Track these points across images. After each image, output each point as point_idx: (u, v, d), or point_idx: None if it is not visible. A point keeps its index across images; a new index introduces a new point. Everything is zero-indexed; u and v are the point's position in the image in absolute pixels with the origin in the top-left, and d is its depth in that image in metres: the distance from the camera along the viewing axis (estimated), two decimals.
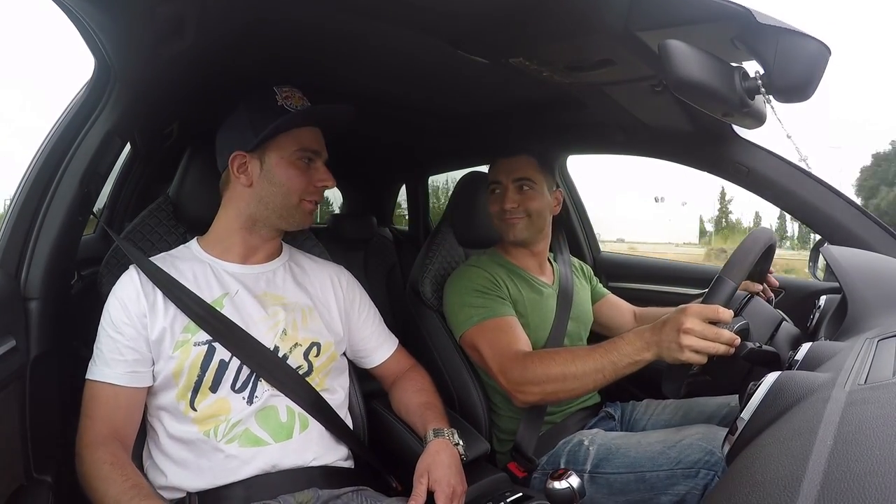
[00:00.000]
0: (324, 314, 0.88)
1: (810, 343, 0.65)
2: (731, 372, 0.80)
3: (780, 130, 0.71)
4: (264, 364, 0.78)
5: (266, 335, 0.80)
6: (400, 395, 0.94)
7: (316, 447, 0.80)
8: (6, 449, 0.70)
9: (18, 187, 0.82)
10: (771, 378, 0.49)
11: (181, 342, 0.76)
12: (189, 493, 0.73)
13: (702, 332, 0.72)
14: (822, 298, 0.94)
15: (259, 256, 0.87)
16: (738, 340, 0.73)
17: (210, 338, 0.76)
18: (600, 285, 1.31)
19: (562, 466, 0.90)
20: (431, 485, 0.75)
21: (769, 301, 0.96)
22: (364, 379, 0.99)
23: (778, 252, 0.99)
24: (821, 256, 1.01)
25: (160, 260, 0.82)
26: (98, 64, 0.82)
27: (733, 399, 1.01)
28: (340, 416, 0.85)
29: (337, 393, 0.87)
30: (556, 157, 1.53)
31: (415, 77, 1.09)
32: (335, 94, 1.13)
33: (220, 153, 0.85)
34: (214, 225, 0.86)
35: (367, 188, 2.50)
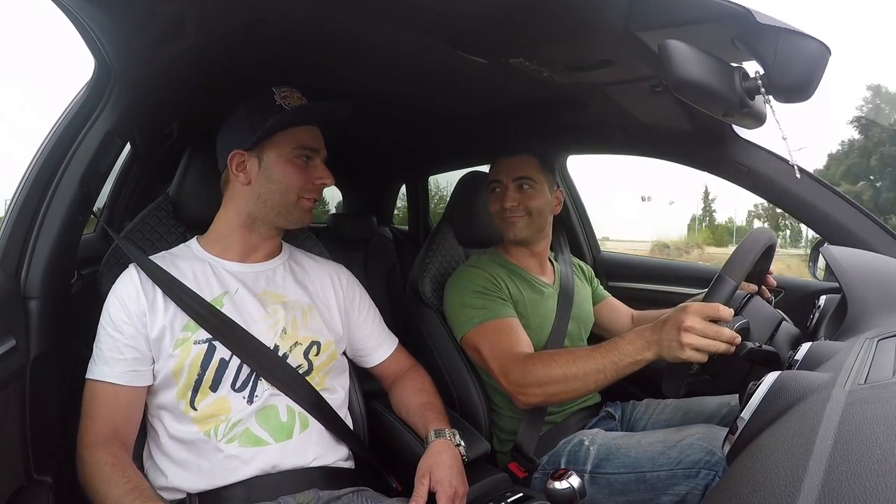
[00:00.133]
0: (324, 313, 0.88)
1: (810, 343, 0.65)
2: (730, 371, 0.81)
3: (778, 131, 0.71)
4: (264, 363, 0.78)
5: (266, 334, 0.80)
6: (400, 395, 0.94)
7: (316, 447, 0.80)
8: (6, 449, 0.70)
9: (18, 187, 0.82)
10: (771, 378, 0.49)
11: (181, 340, 0.76)
12: (189, 494, 0.73)
13: (702, 331, 0.72)
14: (822, 298, 0.94)
15: (259, 255, 0.87)
16: (739, 339, 0.73)
17: (210, 336, 0.76)
18: (601, 287, 1.31)
19: (562, 466, 0.90)
20: (433, 485, 0.75)
21: (768, 301, 0.96)
22: (364, 379, 0.99)
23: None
24: (821, 256, 1.01)
25: (160, 259, 0.82)
26: (98, 64, 0.82)
27: (733, 399, 1.01)
28: (340, 415, 0.85)
29: (337, 392, 0.87)
30: (556, 156, 1.53)
31: (415, 77, 1.09)
32: (335, 95, 1.13)
33: (220, 153, 0.85)
34: (214, 224, 0.86)
35: (367, 188, 2.50)
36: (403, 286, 1.47)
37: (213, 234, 0.86)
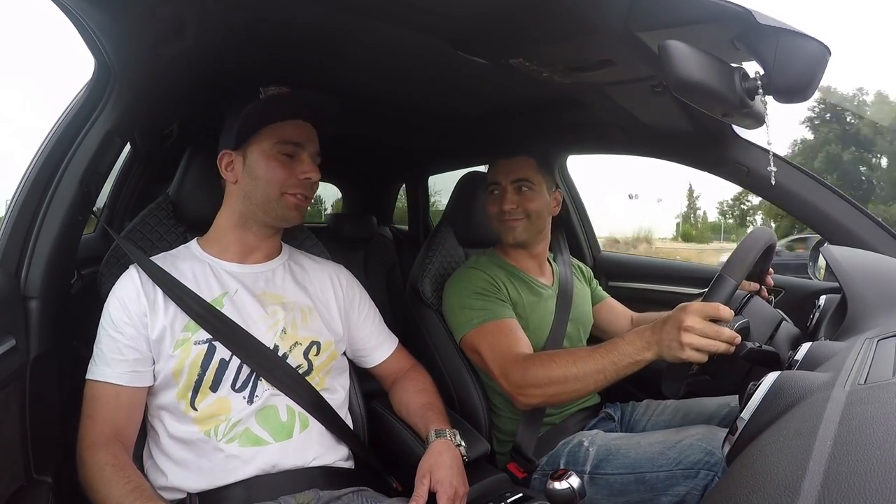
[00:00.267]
0: (323, 313, 0.88)
1: (810, 343, 0.65)
2: (730, 372, 0.80)
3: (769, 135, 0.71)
4: (264, 363, 0.78)
5: (266, 334, 0.80)
6: (401, 395, 0.94)
7: (316, 447, 0.80)
8: (6, 449, 0.70)
9: (18, 187, 0.82)
10: (771, 378, 0.49)
11: (181, 341, 0.76)
12: (189, 494, 0.73)
13: (702, 330, 0.72)
14: (822, 298, 0.94)
15: (257, 256, 0.87)
16: (739, 339, 0.73)
17: (210, 337, 0.76)
18: (600, 288, 1.31)
19: (561, 467, 0.90)
20: (434, 486, 0.75)
21: (768, 301, 0.96)
22: (364, 379, 0.99)
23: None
24: (821, 256, 1.01)
25: (160, 259, 0.82)
26: (98, 64, 0.82)
27: (733, 399, 1.01)
28: (341, 416, 0.85)
29: (337, 392, 0.87)
30: (556, 157, 1.53)
31: (415, 77, 1.09)
32: (335, 95, 1.13)
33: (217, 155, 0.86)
34: (213, 225, 0.87)
35: (367, 188, 2.50)
36: (403, 286, 1.47)
37: (211, 235, 0.86)
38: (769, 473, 0.34)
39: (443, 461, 0.78)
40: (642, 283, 1.56)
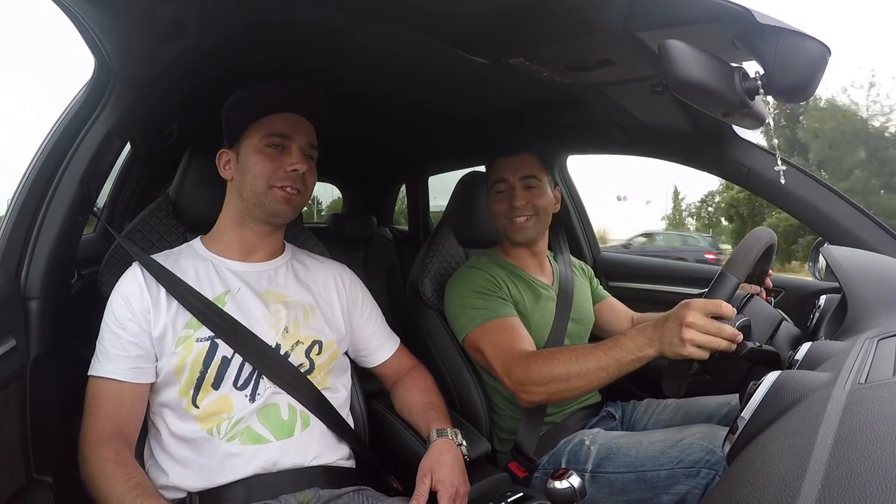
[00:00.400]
0: (326, 312, 0.88)
1: (810, 342, 0.65)
2: (731, 371, 0.81)
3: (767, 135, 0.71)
4: (266, 361, 0.78)
5: (268, 333, 0.80)
6: (402, 394, 0.94)
7: (317, 446, 0.80)
8: (6, 449, 0.70)
9: (18, 187, 0.82)
10: (771, 377, 0.49)
11: (183, 338, 0.76)
12: (190, 493, 0.73)
13: (704, 327, 0.72)
14: (822, 298, 0.94)
15: (260, 254, 0.87)
16: (741, 337, 0.73)
17: (212, 334, 0.77)
18: (600, 287, 1.31)
19: (563, 466, 0.90)
20: (434, 485, 0.75)
21: (768, 301, 0.96)
22: (365, 379, 0.99)
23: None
24: (821, 256, 1.01)
25: (163, 257, 0.82)
26: (98, 64, 0.82)
27: (734, 398, 1.01)
28: (342, 415, 0.85)
29: (339, 392, 0.87)
30: (556, 156, 1.53)
31: (415, 77, 1.09)
32: (335, 95, 1.13)
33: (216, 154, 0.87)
34: (216, 223, 0.87)
35: (367, 188, 2.50)
36: (403, 286, 1.47)
37: (214, 234, 0.87)
38: (770, 472, 0.34)
39: (444, 461, 0.78)
40: (642, 283, 1.56)
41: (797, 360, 0.62)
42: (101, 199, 1.41)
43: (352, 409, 0.93)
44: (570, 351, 0.87)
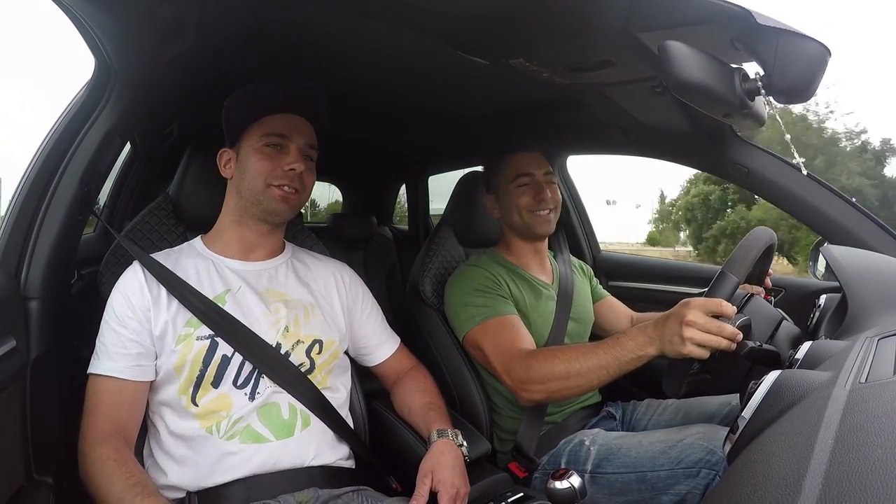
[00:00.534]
0: (326, 311, 0.88)
1: (810, 342, 0.65)
2: (731, 371, 0.81)
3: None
4: (266, 361, 0.78)
5: (268, 332, 0.80)
6: (402, 394, 0.94)
7: (317, 445, 0.80)
8: (7, 450, 0.70)
9: (18, 187, 0.82)
10: (772, 377, 0.49)
11: (184, 336, 0.76)
12: (189, 493, 0.73)
13: (705, 326, 0.72)
14: (822, 297, 0.94)
15: (260, 253, 0.87)
16: (741, 336, 0.73)
17: (212, 333, 0.77)
18: (600, 286, 1.31)
19: (563, 466, 0.90)
20: (435, 485, 0.75)
21: (768, 301, 0.96)
22: (365, 379, 0.99)
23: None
24: (821, 256, 1.01)
25: (163, 256, 0.82)
26: (98, 64, 0.82)
27: (734, 398, 1.01)
28: (342, 415, 0.85)
29: (339, 391, 0.87)
30: (556, 156, 1.53)
31: (415, 78, 1.09)
32: (335, 95, 1.13)
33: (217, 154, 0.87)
34: (216, 222, 0.87)
35: (367, 188, 2.50)
36: (403, 286, 1.47)
37: (214, 233, 0.87)
38: (770, 472, 0.34)
39: (444, 461, 0.78)
40: (642, 282, 1.56)
41: (797, 360, 0.62)
42: (102, 199, 1.41)
43: (352, 408, 0.93)
44: (570, 349, 0.87)
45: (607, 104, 1.07)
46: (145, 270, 0.79)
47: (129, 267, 0.81)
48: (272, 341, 0.79)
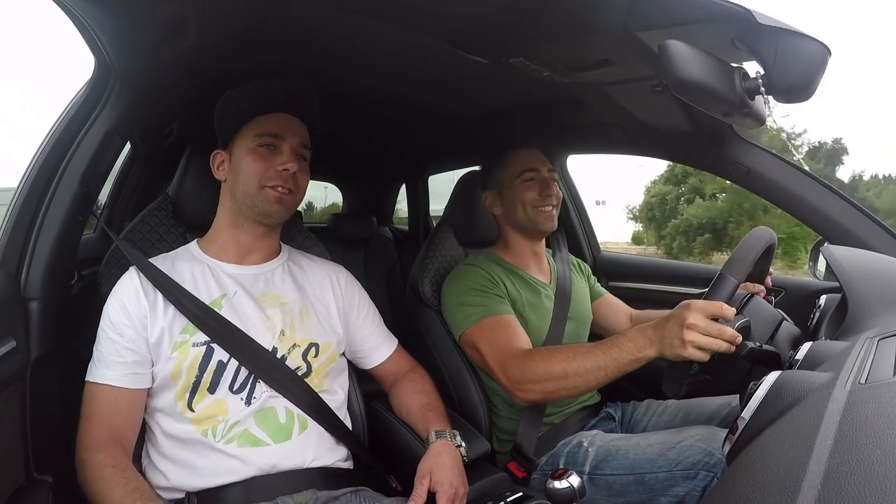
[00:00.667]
0: (322, 314, 0.88)
1: (811, 342, 0.65)
2: (731, 371, 0.80)
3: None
4: (262, 365, 0.78)
5: (264, 336, 0.80)
6: (400, 396, 0.94)
7: (315, 448, 0.79)
8: (7, 449, 0.70)
9: (18, 187, 0.82)
10: (771, 377, 0.49)
11: (179, 343, 0.76)
12: (188, 494, 0.73)
13: (705, 328, 0.72)
14: (822, 298, 0.94)
15: (255, 256, 0.87)
16: (741, 338, 0.73)
17: (208, 339, 0.76)
18: (598, 284, 1.31)
19: (561, 467, 0.90)
20: (433, 486, 0.75)
21: (768, 301, 0.96)
22: (364, 379, 0.99)
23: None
24: (821, 256, 1.01)
25: (160, 261, 0.82)
26: (98, 64, 0.82)
27: (734, 400, 1.01)
28: (340, 416, 0.85)
29: (337, 394, 0.87)
30: (556, 155, 1.53)
31: (415, 77, 1.09)
32: (335, 95, 1.14)
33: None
34: (212, 225, 0.87)
35: (366, 188, 2.50)
36: (403, 286, 1.47)
37: (210, 236, 0.87)
38: (770, 472, 0.34)
39: (443, 462, 0.78)
40: (642, 282, 1.56)
41: (797, 360, 0.62)
42: (102, 199, 1.41)
43: (350, 409, 0.93)
44: (568, 349, 0.87)
45: (607, 103, 1.07)
46: (141, 276, 0.78)
47: (126, 273, 0.80)
48: (268, 345, 0.79)
